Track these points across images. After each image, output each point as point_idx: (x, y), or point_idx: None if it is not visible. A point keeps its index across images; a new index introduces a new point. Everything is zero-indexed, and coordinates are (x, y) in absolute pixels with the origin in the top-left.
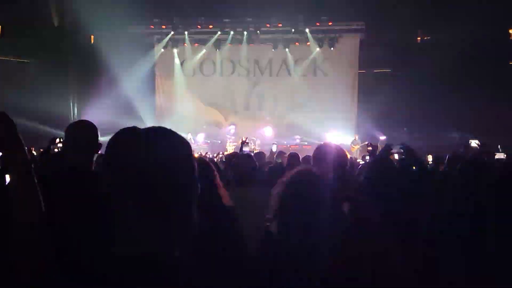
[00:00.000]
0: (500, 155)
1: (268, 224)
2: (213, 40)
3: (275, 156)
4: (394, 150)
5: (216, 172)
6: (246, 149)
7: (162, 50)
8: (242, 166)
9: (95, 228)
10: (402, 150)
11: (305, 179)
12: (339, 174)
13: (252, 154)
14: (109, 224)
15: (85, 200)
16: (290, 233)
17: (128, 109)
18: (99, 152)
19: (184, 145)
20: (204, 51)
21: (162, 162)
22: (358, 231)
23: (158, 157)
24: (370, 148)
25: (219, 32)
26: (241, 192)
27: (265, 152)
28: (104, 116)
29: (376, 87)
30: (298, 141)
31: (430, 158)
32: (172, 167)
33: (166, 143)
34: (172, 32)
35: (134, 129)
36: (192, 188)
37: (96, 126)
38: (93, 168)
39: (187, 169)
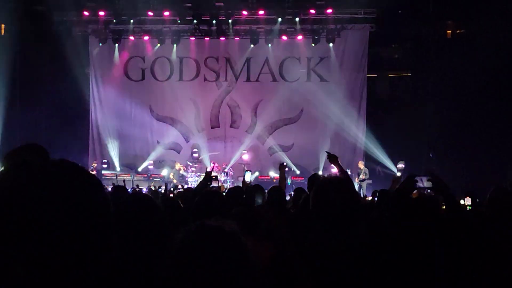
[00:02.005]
0: None
1: None
2: (169, 31)
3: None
4: (419, 183)
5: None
6: (214, 184)
7: (100, 45)
8: (206, 208)
9: None
10: (430, 183)
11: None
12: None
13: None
14: None
15: None
16: None
17: (52, 127)
18: None
19: (94, 188)
20: (158, 46)
21: (58, 214)
22: None
23: (51, 205)
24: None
25: (179, 21)
26: None
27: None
28: (13, 138)
29: (391, 96)
30: (286, 169)
31: (468, 201)
32: (74, 219)
33: (64, 186)
34: (114, 21)
35: (23, 165)
36: (102, 245)
37: None
38: None
39: (96, 222)
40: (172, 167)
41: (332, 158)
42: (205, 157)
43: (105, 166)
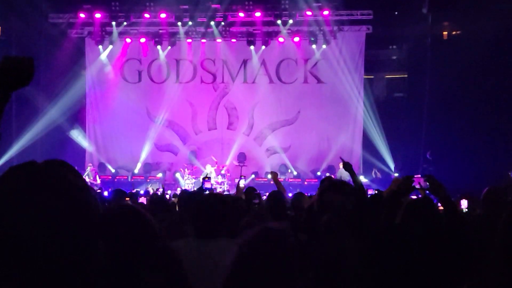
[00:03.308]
0: None
1: None
2: (166, 33)
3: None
4: (416, 184)
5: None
6: (207, 185)
7: (97, 47)
8: (204, 210)
9: None
10: (427, 184)
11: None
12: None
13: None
14: None
15: None
16: None
17: (48, 129)
18: None
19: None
20: (158, 47)
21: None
22: None
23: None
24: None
25: (179, 23)
26: (201, 246)
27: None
28: (9, 138)
29: (388, 97)
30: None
31: (464, 203)
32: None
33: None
34: (114, 23)
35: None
36: (87, 248)
37: None
38: None
39: (80, 223)
40: (169, 169)
41: (347, 166)
42: (203, 159)
43: (101, 167)
